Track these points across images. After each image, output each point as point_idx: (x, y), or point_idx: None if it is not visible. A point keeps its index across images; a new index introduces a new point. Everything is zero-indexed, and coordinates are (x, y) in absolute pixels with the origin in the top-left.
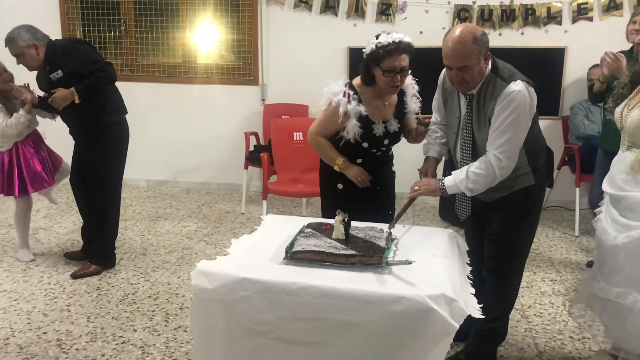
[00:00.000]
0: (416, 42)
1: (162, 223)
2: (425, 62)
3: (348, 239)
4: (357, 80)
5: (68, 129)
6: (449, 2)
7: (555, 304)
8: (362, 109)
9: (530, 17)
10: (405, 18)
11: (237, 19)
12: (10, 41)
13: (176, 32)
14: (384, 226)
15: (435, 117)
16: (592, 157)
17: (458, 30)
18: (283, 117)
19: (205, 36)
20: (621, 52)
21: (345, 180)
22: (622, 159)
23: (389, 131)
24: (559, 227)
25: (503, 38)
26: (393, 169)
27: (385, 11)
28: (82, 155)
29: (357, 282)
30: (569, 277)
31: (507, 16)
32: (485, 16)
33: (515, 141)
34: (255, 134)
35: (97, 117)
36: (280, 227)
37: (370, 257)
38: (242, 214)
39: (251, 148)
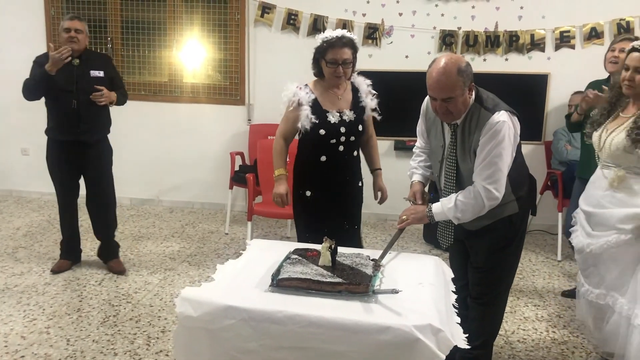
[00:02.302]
0: (402, 66)
1: (145, 243)
2: (411, 86)
3: (335, 266)
4: (312, 81)
5: (78, 137)
6: (434, 28)
7: (539, 329)
8: (313, 96)
9: (514, 43)
10: (391, 42)
11: (225, 39)
12: (81, 19)
13: (163, 51)
14: (371, 253)
15: (419, 142)
16: (575, 182)
17: (442, 61)
18: (269, 137)
19: (192, 55)
20: (597, 80)
21: (314, 187)
22: (600, 177)
23: (344, 119)
24: (541, 252)
25: (487, 64)
26: (360, 183)
27: (372, 35)
28: (97, 159)
29: (344, 310)
30: (552, 302)
31: (492, 42)
32: (470, 42)
33: (502, 172)
34: (241, 154)
35: (109, 125)
36: (266, 252)
37: (357, 285)
38: (226, 234)
39: (236, 168)
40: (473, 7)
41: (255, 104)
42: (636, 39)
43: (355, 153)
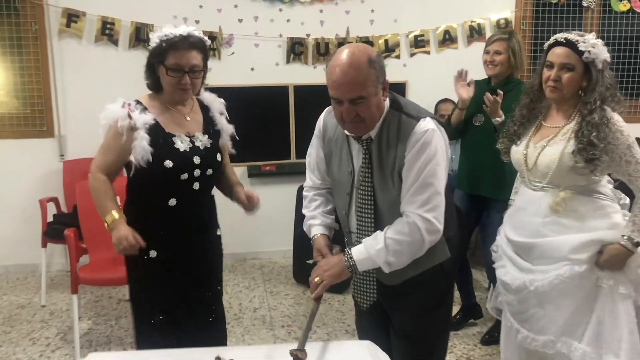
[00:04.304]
0: (248, 80)
1: None
2: (261, 102)
3: None
4: (144, 96)
5: None
6: (280, 35)
7: None
8: (151, 116)
9: None
10: (232, 53)
11: (20, 55)
12: None
13: None
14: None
15: (311, 179)
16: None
17: (347, 51)
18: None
19: None
20: (477, 81)
21: (160, 245)
22: (533, 201)
23: (197, 146)
24: None
25: None
26: (218, 231)
27: (209, 45)
28: None
29: None
30: (460, 333)
31: None
32: (321, 50)
33: (440, 195)
34: (55, 200)
35: None
36: None
37: None
38: (43, 306)
39: (50, 218)
40: (321, 11)
41: (68, 134)
42: (509, 36)
43: (212, 192)
